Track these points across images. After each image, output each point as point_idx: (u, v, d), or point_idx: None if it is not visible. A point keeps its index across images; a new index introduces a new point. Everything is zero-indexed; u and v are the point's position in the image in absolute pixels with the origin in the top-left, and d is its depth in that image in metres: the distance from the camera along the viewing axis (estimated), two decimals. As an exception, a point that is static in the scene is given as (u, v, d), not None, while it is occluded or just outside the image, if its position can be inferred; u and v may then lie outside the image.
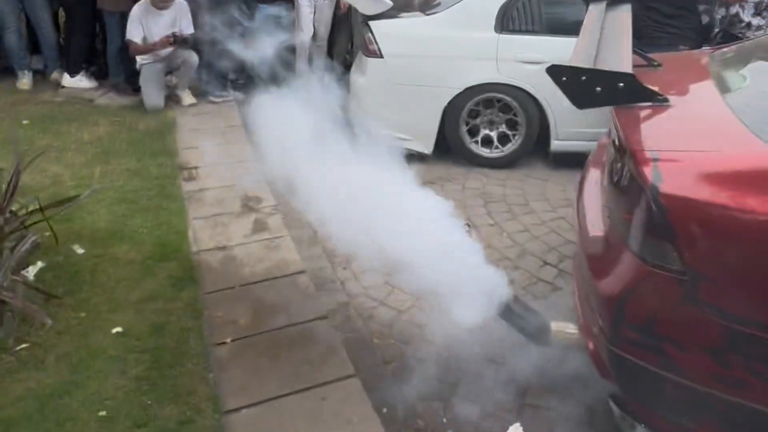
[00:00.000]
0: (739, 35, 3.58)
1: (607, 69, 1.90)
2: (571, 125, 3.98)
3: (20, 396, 2.09)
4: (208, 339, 2.38)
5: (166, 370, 2.22)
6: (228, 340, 2.37)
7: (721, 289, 1.65)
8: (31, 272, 2.75)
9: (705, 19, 3.81)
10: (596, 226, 2.22)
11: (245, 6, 4.69)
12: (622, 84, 1.85)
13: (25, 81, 5.46)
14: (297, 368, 2.23)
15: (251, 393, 2.11)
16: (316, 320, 2.51)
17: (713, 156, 1.77)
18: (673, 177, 1.72)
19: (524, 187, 3.98)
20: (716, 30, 3.77)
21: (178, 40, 4.94)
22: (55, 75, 5.62)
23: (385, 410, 2.17)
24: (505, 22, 4.04)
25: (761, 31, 3.45)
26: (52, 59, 5.62)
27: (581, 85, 1.86)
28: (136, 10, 4.90)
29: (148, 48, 4.97)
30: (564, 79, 1.89)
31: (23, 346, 2.32)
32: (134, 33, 4.91)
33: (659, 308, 1.76)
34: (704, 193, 1.67)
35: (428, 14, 4.21)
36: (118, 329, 2.42)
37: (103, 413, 2.02)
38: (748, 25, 3.62)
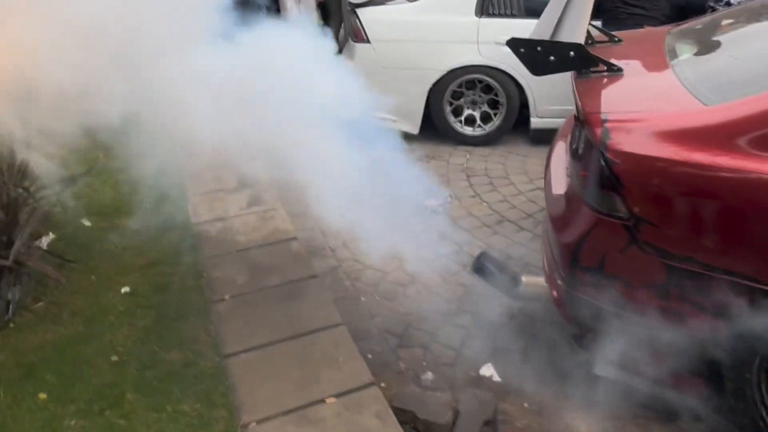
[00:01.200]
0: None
1: (560, 41, 2.12)
2: (549, 103, 4.19)
3: (39, 345, 2.31)
4: (209, 296, 2.60)
5: (171, 323, 2.44)
6: (227, 297, 2.59)
7: (660, 232, 1.87)
8: (44, 242, 2.96)
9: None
10: (559, 187, 2.45)
11: None
12: (572, 52, 2.06)
13: None
14: (290, 319, 2.45)
15: (248, 340, 2.33)
16: (308, 279, 2.73)
17: (655, 115, 2.00)
18: (620, 135, 1.94)
19: (506, 162, 4.20)
20: (708, 4, 3.96)
21: None
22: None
23: (369, 356, 2.41)
24: (485, 7, 4.24)
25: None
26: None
27: (537, 55, 2.08)
28: None
29: None
30: (522, 50, 2.11)
31: (40, 304, 2.54)
32: None
33: (609, 251, 1.99)
34: (646, 148, 1.89)
35: (412, 0, 4.41)
36: (126, 289, 2.64)
37: (115, 358, 2.25)
38: (728, 3, 3.82)
